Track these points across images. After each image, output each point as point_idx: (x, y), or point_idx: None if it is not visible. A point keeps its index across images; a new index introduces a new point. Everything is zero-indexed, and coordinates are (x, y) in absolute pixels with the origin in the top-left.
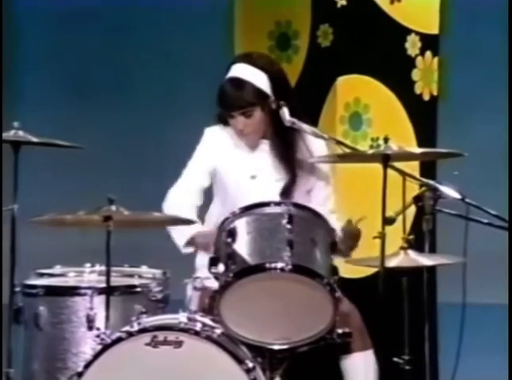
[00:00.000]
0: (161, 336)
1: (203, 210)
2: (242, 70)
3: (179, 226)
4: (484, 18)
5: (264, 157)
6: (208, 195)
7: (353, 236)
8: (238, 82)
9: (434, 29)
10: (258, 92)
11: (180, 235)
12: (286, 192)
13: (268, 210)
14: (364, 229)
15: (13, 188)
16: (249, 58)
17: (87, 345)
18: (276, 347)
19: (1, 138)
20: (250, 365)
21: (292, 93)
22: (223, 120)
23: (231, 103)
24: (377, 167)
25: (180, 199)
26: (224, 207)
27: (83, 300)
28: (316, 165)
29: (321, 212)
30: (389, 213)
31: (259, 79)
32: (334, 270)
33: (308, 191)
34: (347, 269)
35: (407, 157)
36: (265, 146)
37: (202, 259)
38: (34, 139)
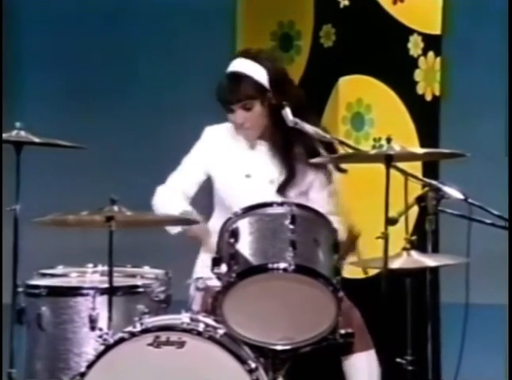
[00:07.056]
0: (163, 336)
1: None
2: (240, 65)
3: (173, 206)
4: (486, 18)
5: (260, 157)
6: (210, 199)
7: (349, 237)
8: (237, 76)
9: (437, 29)
10: (257, 85)
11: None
12: (282, 190)
13: (270, 210)
14: (366, 230)
15: (15, 188)
16: (248, 53)
17: (90, 345)
18: (278, 348)
19: (1, 139)
20: (253, 365)
21: (296, 93)
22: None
23: (230, 96)
24: (380, 167)
25: (169, 195)
26: (223, 207)
27: (85, 300)
28: (313, 168)
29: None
30: (392, 213)
31: (258, 73)
32: (336, 270)
33: (303, 193)
34: (350, 270)
35: (410, 157)
36: (262, 147)
37: (204, 260)
38: (36, 140)
